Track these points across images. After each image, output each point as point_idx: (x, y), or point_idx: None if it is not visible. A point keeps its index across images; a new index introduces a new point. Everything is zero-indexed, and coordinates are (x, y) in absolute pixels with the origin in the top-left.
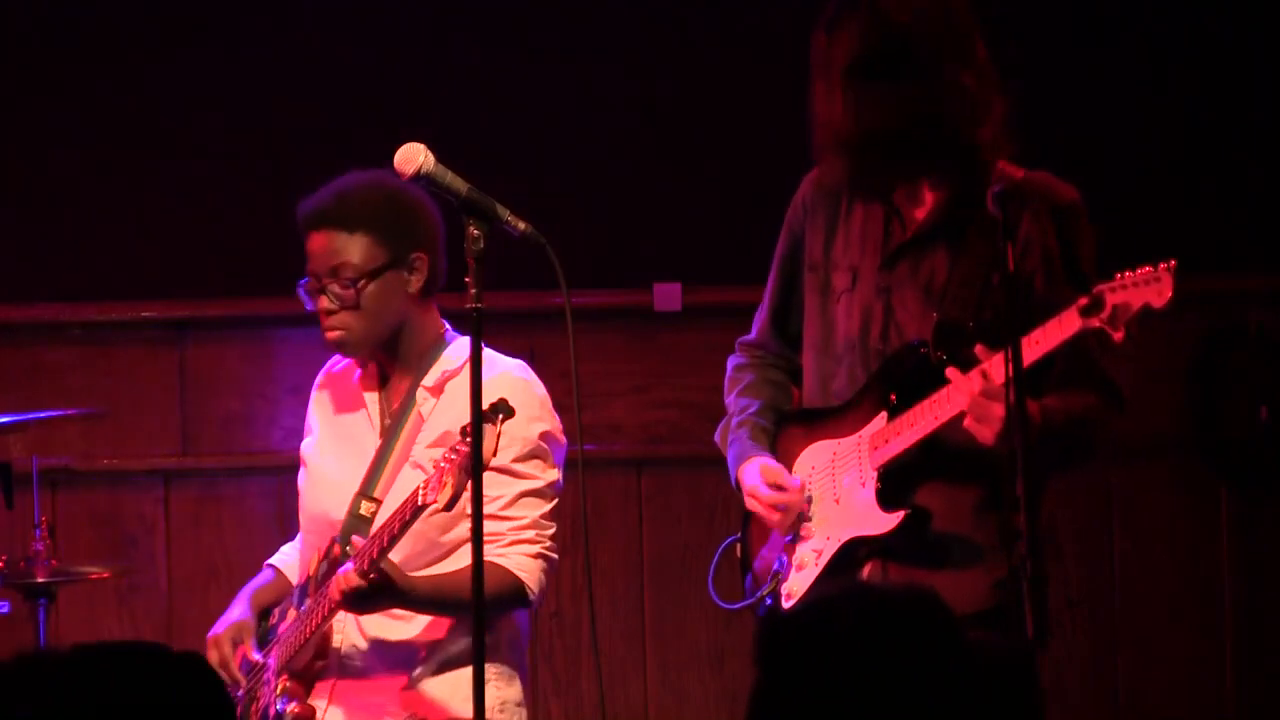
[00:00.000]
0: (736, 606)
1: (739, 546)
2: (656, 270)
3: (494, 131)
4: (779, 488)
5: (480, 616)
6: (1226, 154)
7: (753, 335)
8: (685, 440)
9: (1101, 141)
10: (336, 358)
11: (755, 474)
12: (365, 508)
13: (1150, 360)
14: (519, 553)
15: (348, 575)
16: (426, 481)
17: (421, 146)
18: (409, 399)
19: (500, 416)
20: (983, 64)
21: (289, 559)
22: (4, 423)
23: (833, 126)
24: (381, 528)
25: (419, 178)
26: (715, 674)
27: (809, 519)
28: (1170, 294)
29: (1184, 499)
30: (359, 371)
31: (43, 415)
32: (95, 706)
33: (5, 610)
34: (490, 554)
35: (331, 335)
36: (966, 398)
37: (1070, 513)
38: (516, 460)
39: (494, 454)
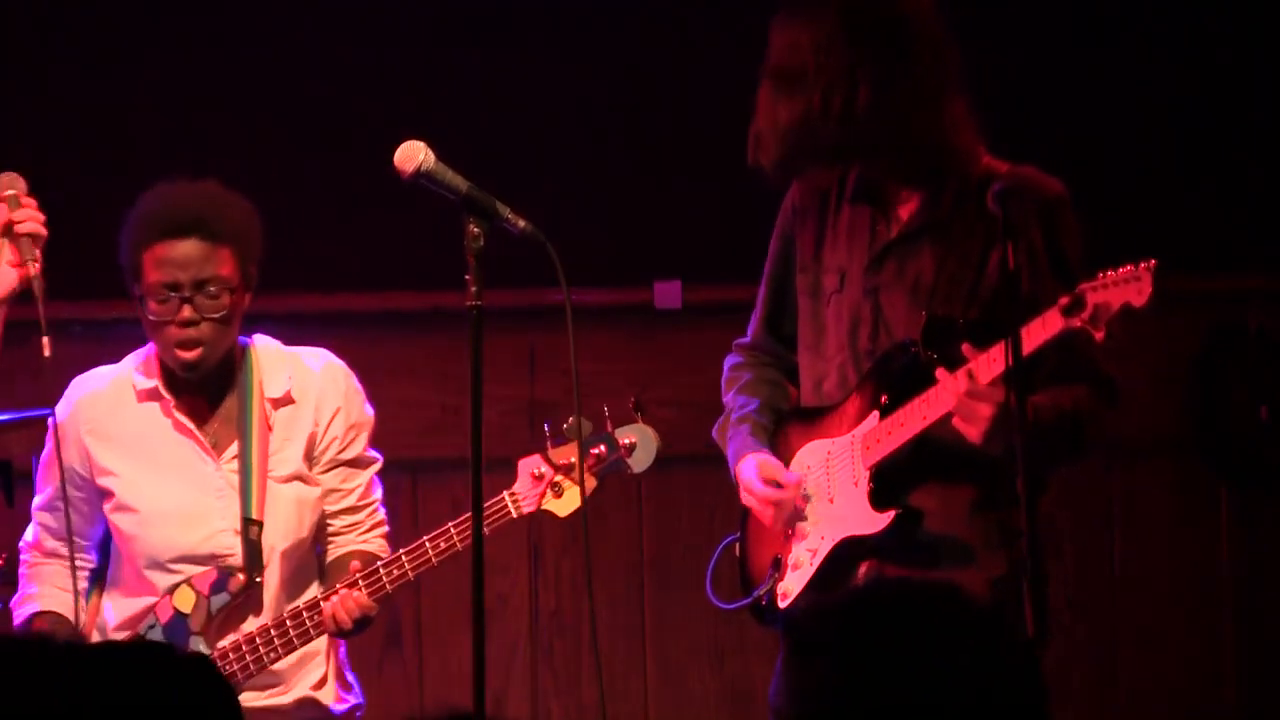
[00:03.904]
0: (733, 606)
1: (737, 546)
2: (657, 268)
3: (494, 129)
4: (775, 484)
5: (480, 610)
6: (1226, 154)
7: (748, 338)
8: (685, 439)
9: (1101, 141)
10: (81, 390)
11: (752, 469)
12: (253, 532)
13: (1150, 360)
14: (377, 535)
15: (360, 601)
16: (531, 493)
17: (422, 144)
18: (244, 415)
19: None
20: (928, 63)
21: (56, 602)
22: (5, 420)
23: (756, 119)
24: (412, 554)
25: (419, 175)
26: (715, 673)
27: (804, 518)
28: (1150, 292)
29: (1184, 499)
30: (141, 397)
31: (44, 413)
32: (100, 707)
33: (4, 607)
34: (354, 542)
35: (193, 353)
36: (953, 397)
37: (1070, 513)
38: (367, 448)
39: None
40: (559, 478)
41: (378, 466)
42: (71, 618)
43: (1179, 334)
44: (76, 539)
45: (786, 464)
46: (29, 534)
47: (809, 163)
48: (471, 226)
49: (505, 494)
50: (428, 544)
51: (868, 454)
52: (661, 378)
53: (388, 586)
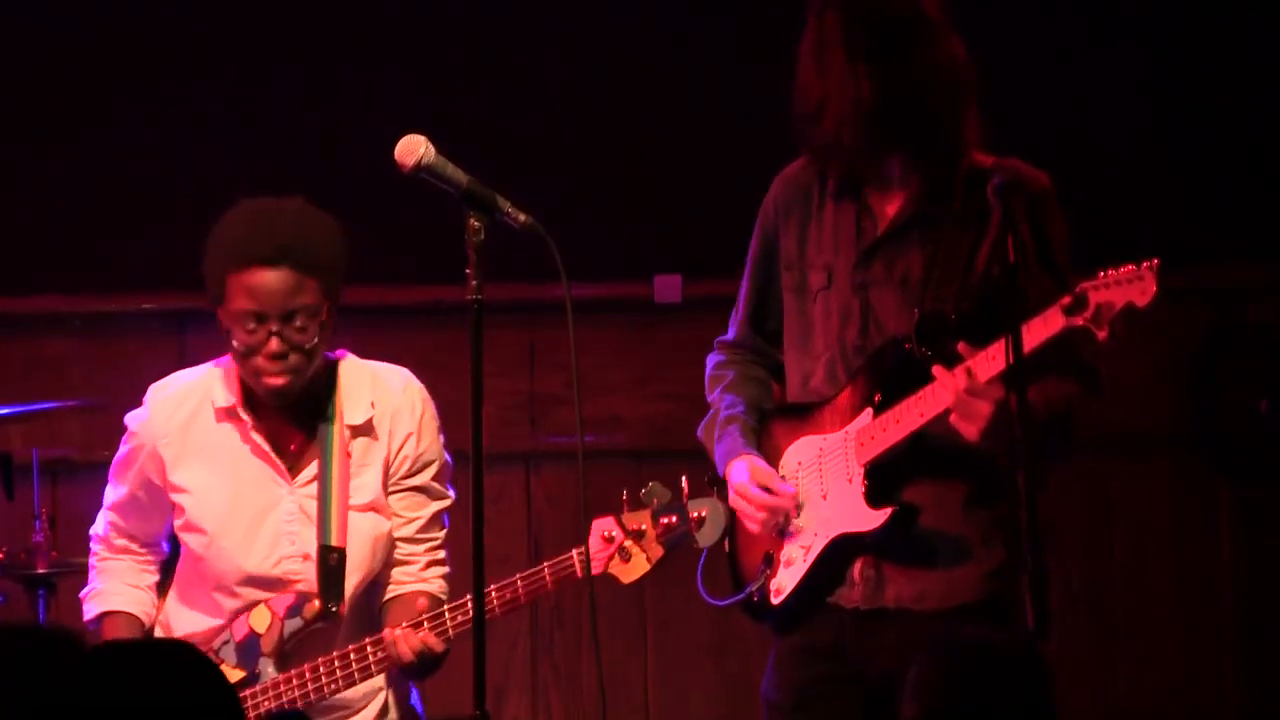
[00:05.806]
0: (725, 602)
1: (727, 541)
2: (657, 262)
3: (494, 123)
4: (768, 490)
5: (480, 606)
6: (1227, 148)
7: (730, 335)
8: (686, 432)
9: (1101, 137)
10: (158, 397)
11: (744, 472)
12: (332, 558)
13: (1150, 354)
14: (436, 575)
15: (425, 638)
16: (599, 554)
17: (422, 138)
18: (325, 440)
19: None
20: (966, 56)
21: (127, 599)
22: (5, 414)
23: (837, 99)
24: (497, 596)
25: (419, 169)
26: (716, 667)
27: (797, 515)
28: (1154, 292)
29: (1184, 495)
30: (220, 416)
31: (43, 407)
32: (114, 704)
33: (1, 601)
34: (412, 579)
35: (281, 381)
36: (951, 395)
37: (1070, 510)
38: (435, 479)
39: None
40: (628, 543)
41: (447, 504)
42: (142, 616)
43: (1178, 328)
44: (144, 537)
45: (776, 458)
46: (99, 526)
47: (894, 142)
48: (472, 220)
49: (574, 552)
50: (494, 593)
51: (862, 451)
52: (661, 372)
53: (450, 631)
